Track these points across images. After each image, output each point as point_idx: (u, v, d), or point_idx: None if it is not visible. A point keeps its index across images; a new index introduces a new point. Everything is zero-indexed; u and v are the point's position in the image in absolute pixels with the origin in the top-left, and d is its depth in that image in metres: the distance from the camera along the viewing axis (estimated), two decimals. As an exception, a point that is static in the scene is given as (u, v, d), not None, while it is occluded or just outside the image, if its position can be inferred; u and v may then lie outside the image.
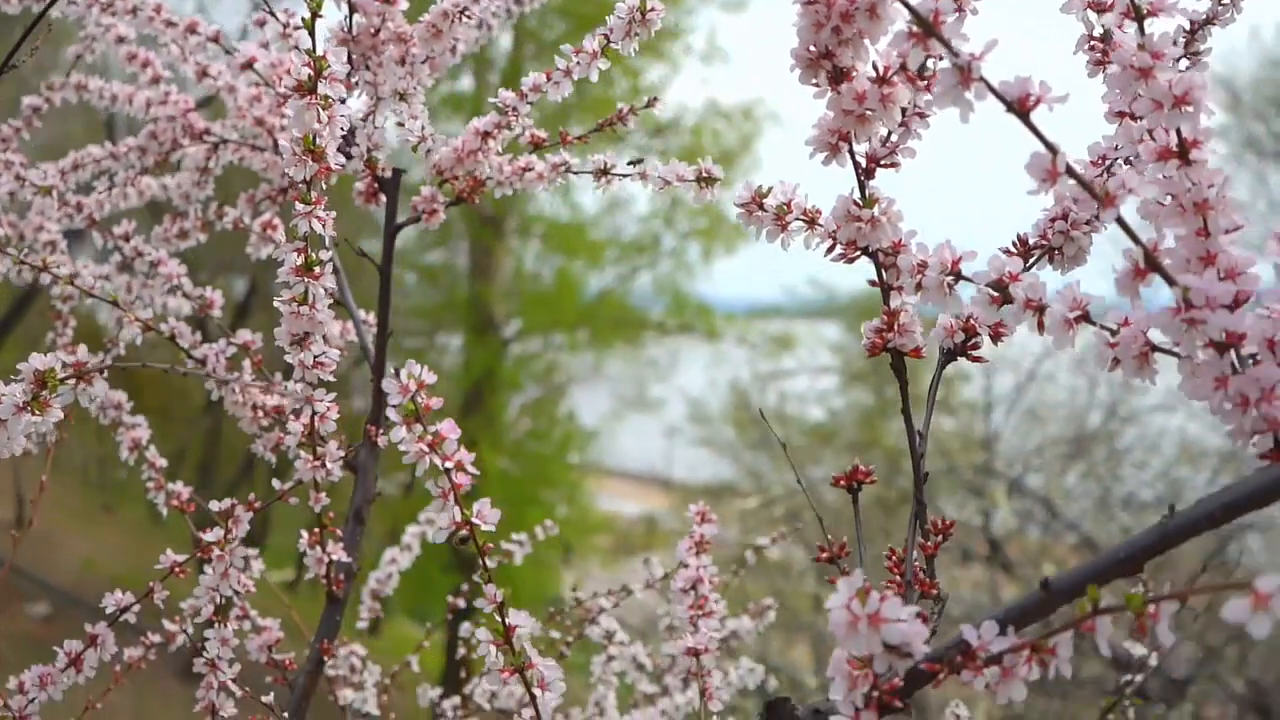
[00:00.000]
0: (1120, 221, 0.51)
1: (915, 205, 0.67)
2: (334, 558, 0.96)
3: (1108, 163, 0.69)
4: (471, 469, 0.62)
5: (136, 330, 0.96)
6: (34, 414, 0.67)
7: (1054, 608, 0.51)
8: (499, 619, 0.64)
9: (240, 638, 0.99)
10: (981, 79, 0.50)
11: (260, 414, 1.01)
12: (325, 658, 0.98)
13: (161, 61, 1.20)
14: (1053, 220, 0.68)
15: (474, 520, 0.62)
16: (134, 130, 1.26)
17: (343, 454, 0.91)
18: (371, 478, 1.02)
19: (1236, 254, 0.53)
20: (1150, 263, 0.51)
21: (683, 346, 11.74)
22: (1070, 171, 0.50)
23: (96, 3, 1.12)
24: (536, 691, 0.64)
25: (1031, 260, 0.69)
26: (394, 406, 0.61)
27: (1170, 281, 0.51)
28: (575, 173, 0.96)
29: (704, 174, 0.84)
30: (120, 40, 1.19)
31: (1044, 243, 0.68)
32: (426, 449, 0.61)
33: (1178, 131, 0.53)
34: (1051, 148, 0.50)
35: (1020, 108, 0.50)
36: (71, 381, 0.66)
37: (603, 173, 0.94)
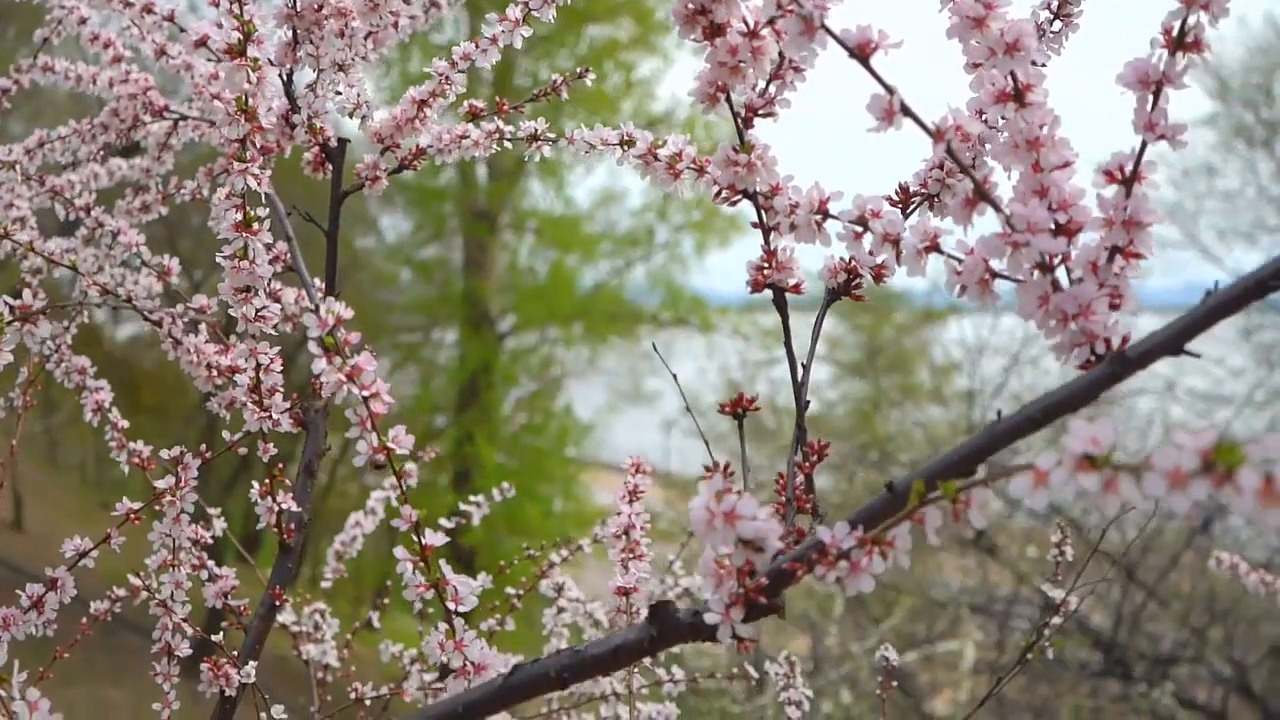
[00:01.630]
0: (951, 154, 0.56)
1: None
2: (284, 507, 1.01)
3: (984, 115, 0.74)
4: (388, 398, 0.67)
5: (95, 293, 1.01)
6: (-15, 356, 0.72)
7: (899, 508, 0.56)
8: (415, 539, 0.69)
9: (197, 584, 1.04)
10: (824, 27, 0.55)
11: (214, 373, 1.07)
12: (277, 603, 1.03)
13: (123, 42, 1.25)
14: (931, 169, 0.73)
15: (390, 445, 0.68)
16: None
17: (288, 405, 0.96)
18: (321, 433, 1.07)
19: (1068, 188, 0.59)
20: (980, 193, 0.56)
21: (677, 339, 11.79)
22: (905, 110, 0.55)
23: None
24: (451, 605, 0.69)
25: (912, 206, 0.74)
26: (314, 339, 0.66)
27: (997, 209, 0.56)
28: (510, 139, 1.01)
29: (626, 138, 0.89)
30: (83, 21, 1.24)
31: (923, 190, 0.74)
32: (345, 379, 0.66)
33: (1012, 75, 0.58)
34: (889, 89, 0.56)
35: (861, 53, 0.56)
36: (17, 324, 0.71)
37: (533, 138, 1.00)
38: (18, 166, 1.16)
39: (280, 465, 1.00)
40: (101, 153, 1.25)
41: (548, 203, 12.17)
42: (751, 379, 8.46)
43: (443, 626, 0.70)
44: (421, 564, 0.69)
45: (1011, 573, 6.39)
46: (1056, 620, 1.13)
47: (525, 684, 0.63)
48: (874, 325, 11.43)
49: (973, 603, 5.84)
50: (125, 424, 1.15)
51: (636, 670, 1.24)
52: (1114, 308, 0.56)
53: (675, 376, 0.96)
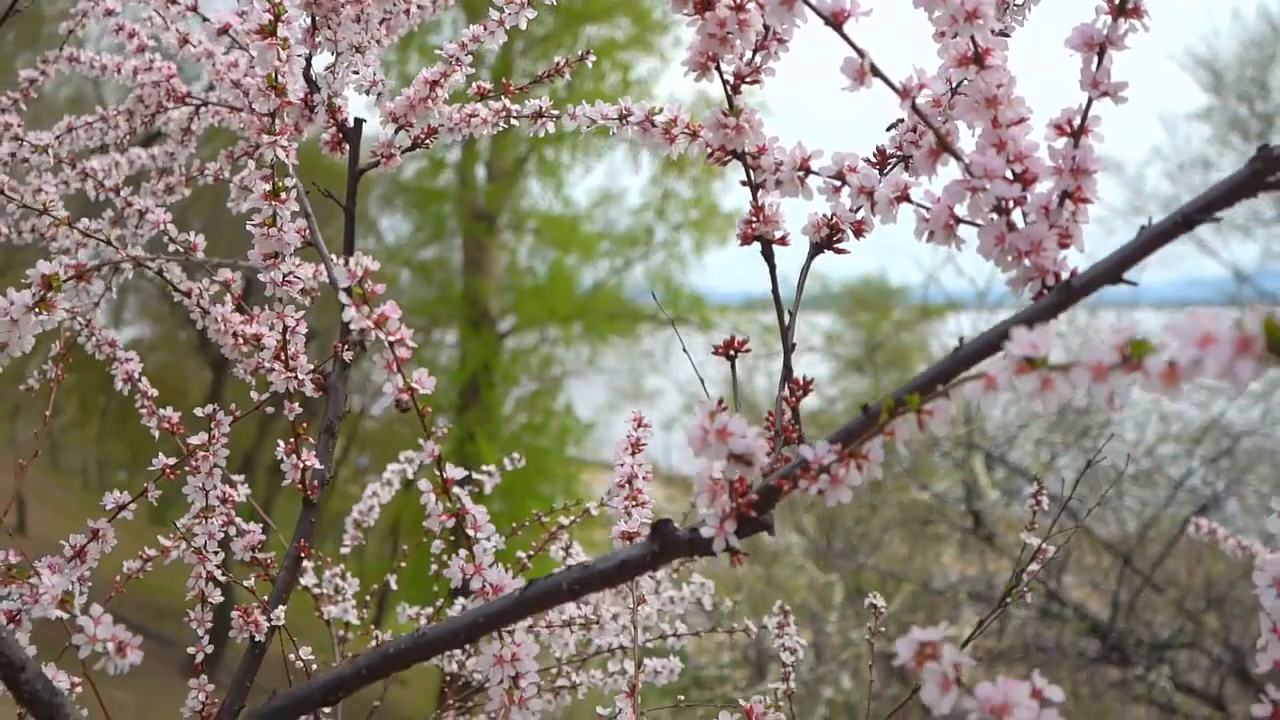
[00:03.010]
0: (916, 110, 0.63)
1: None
2: (308, 465, 1.08)
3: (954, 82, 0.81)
4: (411, 343, 0.74)
5: (129, 268, 1.08)
6: (41, 313, 0.79)
7: (877, 427, 0.62)
8: (438, 472, 0.76)
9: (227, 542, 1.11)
10: (802, -2, 0.62)
11: (240, 341, 1.13)
12: (302, 555, 1.10)
13: (146, 32, 1.32)
14: (904, 132, 0.80)
15: (414, 385, 0.74)
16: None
17: (312, 368, 1.03)
18: (341, 396, 1.14)
19: (1024, 141, 0.65)
20: (942, 144, 0.63)
21: (677, 337, 11.84)
22: (875, 71, 0.62)
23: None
24: (471, 532, 0.76)
25: (889, 167, 0.81)
26: (344, 290, 0.73)
27: (958, 159, 0.63)
28: (516, 117, 1.08)
29: (624, 113, 0.95)
30: (108, 13, 1.31)
31: (899, 152, 0.80)
32: (373, 325, 0.73)
33: (973, 40, 0.65)
34: (860, 52, 0.62)
35: (835, 21, 0.62)
36: (73, 281, 0.78)
37: (538, 115, 1.06)
38: (50, 150, 1.23)
39: (304, 425, 1.07)
40: (126, 138, 1.31)
41: (546, 203, 12.24)
42: (751, 371, 8.54)
43: (463, 553, 0.76)
44: (443, 494, 0.76)
45: (1010, 561, 6.45)
46: (1034, 566, 1.20)
47: (540, 596, 0.70)
48: (873, 322, 11.51)
49: (972, 591, 5.90)
50: (154, 392, 1.21)
51: (642, 627, 1.31)
52: (1063, 246, 0.63)
53: (691, 357, 1.02)
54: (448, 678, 1.46)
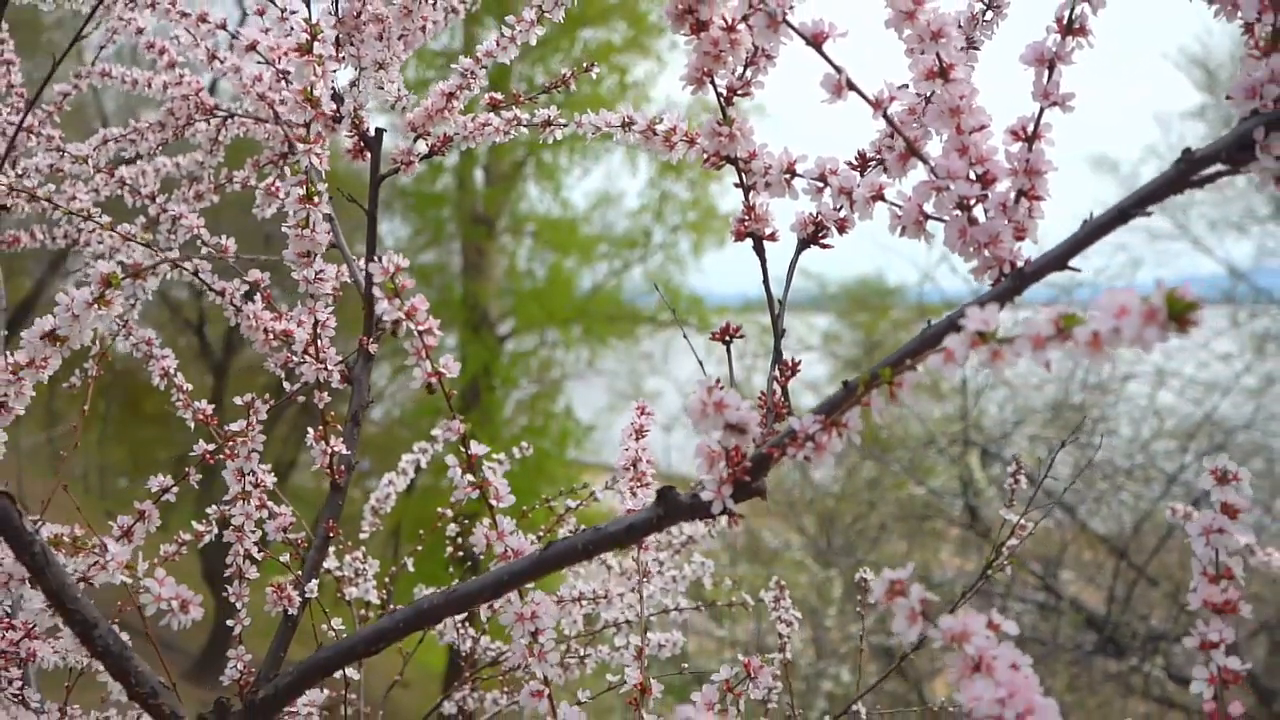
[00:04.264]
0: (888, 119, 0.71)
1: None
2: (336, 450, 1.16)
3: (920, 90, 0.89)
4: (438, 332, 0.82)
5: (165, 268, 1.16)
6: (100, 308, 0.87)
7: (855, 398, 0.70)
8: (463, 449, 0.84)
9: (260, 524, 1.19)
10: (785, 21, 0.70)
11: (270, 337, 1.21)
12: (330, 534, 1.18)
13: (174, 49, 1.40)
14: (882, 138, 0.88)
15: (441, 370, 0.83)
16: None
17: (340, 360, 1.11)
18: (365, 387, 1.22)
19: (984, 146, 0.74)
20: (910, 149, 0.71)
21: (676, 338, 11.93)
22: (850, 85, 0.70)
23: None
24: (493, 502, 0.84)
25: (869, 169, 0.89)
26: (378, 284, 0.81)
27: (925, 162, 0.71)
28: (526, 125, 1.17)
29: (628, 120, 1.04)
30: (139, 31, 1.39)
31: (877, 156, 0.88)
32: (404, 316, 0.82)
33: (938, 56, 0.73)
34: (838, 69, 0.71)
35: (815, 41, 0.71)
36: (129, 280, 0.86)
37: (547, 124, 1.15)
38: (89, 160, 1.31)
39: (331, 414, 1.15)
40: (157, 149, 1.40)
41: (545, 206, 12.32)
42: (750, 371, 8.61)
43: (486, 521, 0.85)
44: (469, 468, 0.84)
45: (1008, 557, 6.52)
46: (1013, 542, 1.28)
47: (557, 555, 0.78)
48: (871, 322, 11.59)
49: (968, 586, 5.98)
50: (189, 386, 1.30)
51: (647, 602, 1.39)
52: (1019, 238, 0.71)
53: (696, 352, 1.10)
54: (462, 656, 1.54)
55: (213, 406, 1.26)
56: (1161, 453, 7.14)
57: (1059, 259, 0.67)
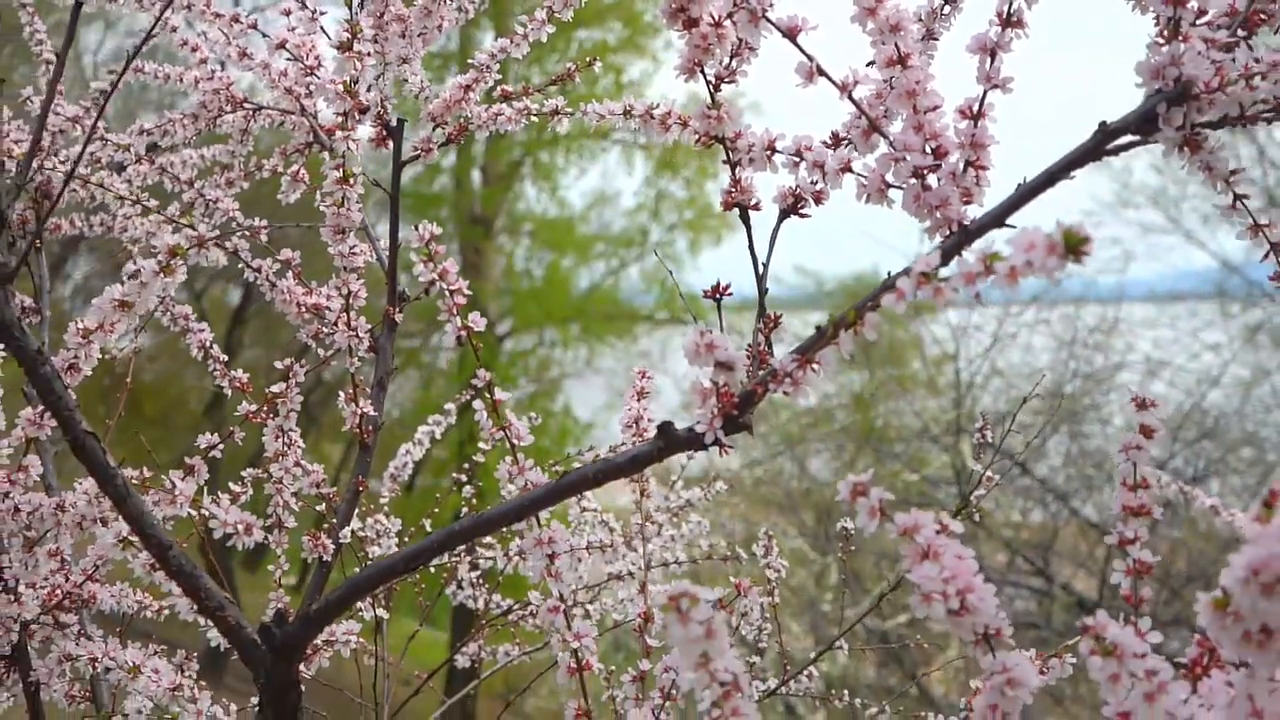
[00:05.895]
0: (853, 101, 0.83)
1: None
2: (364, 412, 1.28)
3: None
4: (467, 292, 0.94)
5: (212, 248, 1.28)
6: (166, 276, 0.99)
7: (826, 339, 0.82)
8: (489, 395, 0.96)
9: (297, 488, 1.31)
10: (765, 16, 0.82)
11: (302, 310, 1.33)
12: (359, 489, 1.30)
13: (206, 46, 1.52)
14: (853, 119, 1.00)
15: (470, 324, 0.95)
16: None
17: (370, 328, 1.23)
18: (389, 355, 1.33)
19: (937, 124, 0.86)
20: (872, 127, 0.83)
21: (674, 337, 12.06)
22: (821, 71, 0.82)
23: (159, 1, 1.44)
24: (515, 440, 0.96)
25: (841, 146, 1.01)
26: (414, 249, 0.93)
27: (884, 137, 0.83)
28: (535, 115, 1.28)
29: (628, 108, 1.15)
30: (174, 30, 1.51)
31: (848, 135, 1.00)
32: (437, 277, 0.93)
33: (896, 46, 0.85)
34: (810, 57, 0.83)
35: (791, 33, 0.83)
36: (195, 249, 0.97)
37: (555, 113, 1.27)
38: (131, 149, 1.43)
39: (358, 381, 1.27)
40: (191, 139, 1.51)
41: (542, 206, 12.43)
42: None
43: (508, 458, 0.96)
44: (493, 412, 0.96)
45: (999, 543, 6.66)
46: (980, 491, 1.39)
47: (570, 484, 0.90)
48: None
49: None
50: (225, 357, 1.41)
51: (650, 557, 1.50)
52: (966, 202, 0.83)
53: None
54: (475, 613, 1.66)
55: (289, 360, 1.35)
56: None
57: (997, 218, 0.79)
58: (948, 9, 1.02)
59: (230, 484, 1.41)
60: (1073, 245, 0.60)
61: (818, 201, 0.99)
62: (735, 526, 7.99)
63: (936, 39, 1.01)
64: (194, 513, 0.94)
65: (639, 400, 1.27)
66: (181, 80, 1.55)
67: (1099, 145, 0.77)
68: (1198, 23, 0.79)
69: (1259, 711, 0.60)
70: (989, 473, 1.42)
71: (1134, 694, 0.66)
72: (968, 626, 0.70)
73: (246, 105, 1.52)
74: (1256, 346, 8.68)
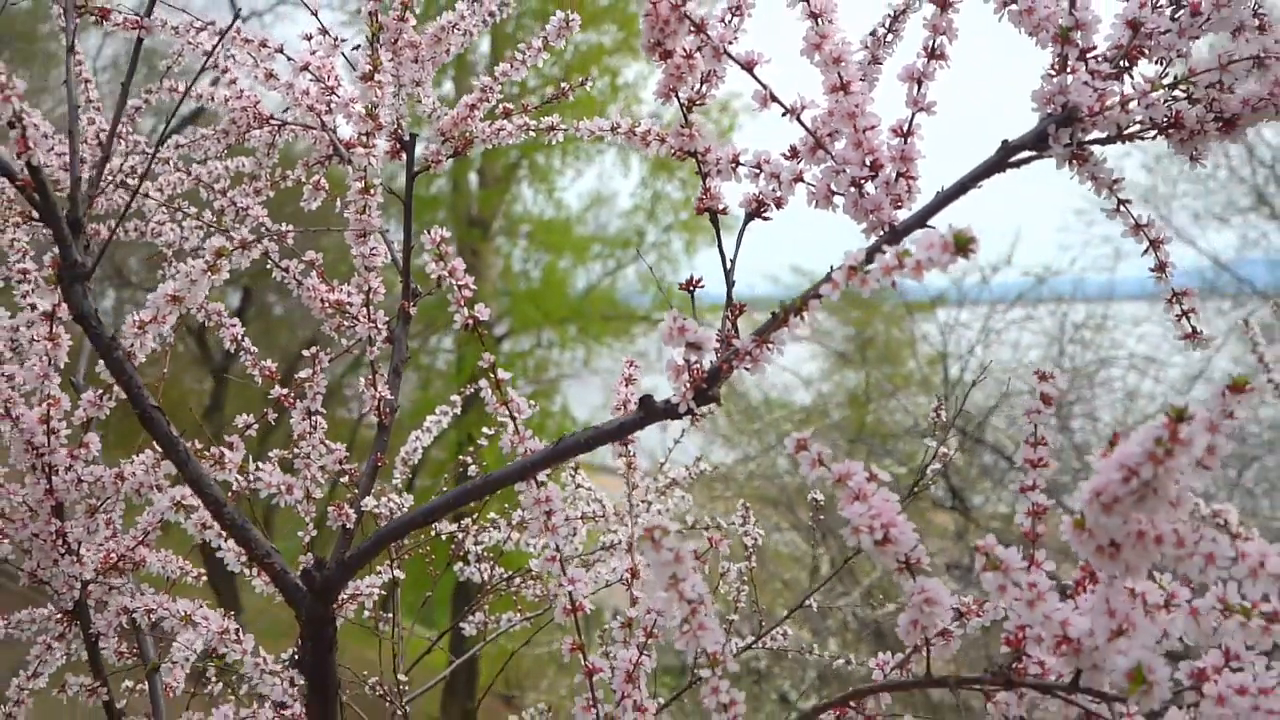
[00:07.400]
0: (800, 122, 0.99)
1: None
2: (383, 396, 1.44)
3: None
4: (472, 285, 1.10)
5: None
6: (213, 274, 1.14)
7: (780, 322, 0.97)
8: (493, 375, 1.12)
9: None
10: (726, 52, 0.98)
11: (325, 305, 1.49)
12: (379, 465, 1.45)
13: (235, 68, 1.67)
14: (805, 136, 1.16)
15: (475, 315, 1.10)
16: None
17: (388, 319, 1.38)
18: (404, 344, 1.49)
19: (874, 140, 1.01)
20: (817, 143, 0.99)
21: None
22: (773, 97, 0.98)
23: (191, 28, 1.59)
24: (515, 414, 1.12)
25: (796, 161, 1.16)
26: (426, 250, 1.08)
27: (827, 152, 0.99)
28: (534, 130, 1.44)
29: (615, 125, 1.31)
30: (206, 54, 1.66)
31: (800, 150, 1.16)
32: (447, 274, 1.09)
33: (838, 74, 1.01)
34: (764, 85, 0.98)
35: (748, 66, 0.98)
36: (239, 250, 1.13)
37: (552, 128, 1.42)
38: (170, 161, 1.59)
39: (378, 368, 1.42)
40: (224, 152, 1.67)
41: (539, 207, 12.58)
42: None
43: (510, 428, 1.12)
44: (496, 389, 1.11)
45: (985, 533, 6.79)
46: (935, 466, 1.55)
47: (567, 448, 1.05)
48: (861, 318, 11.87)
49: (948, 561, 6.28)
50: (255, 349, 1.57)
51: (638, 520, 1.66)
52: (897, 207, 0.99)
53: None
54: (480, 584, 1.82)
55: (314, 348, 1.50)
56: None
57: (919, 220, 0.95)
58: (890, 37, 1.18)
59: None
60: (962, 245, 0.75)
61: (778, 206, 1.15)
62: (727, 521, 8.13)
63: (880, 63, 1.17)
64: (239, 478, 1.09)
65: (627, 386, 1.42)
66: (213, 99, 1.71)
67: (1002, 160, 0.92)
68: (1089, 54, 0.95)
69: (1112, 610, 0.76)
70: (944, 449, 1.57)
71: (1019, 603, 0.81)
72: (891, 555, 0.85)
73: (273, 121, 1.68)
74: (1246, 343, 8.84)
